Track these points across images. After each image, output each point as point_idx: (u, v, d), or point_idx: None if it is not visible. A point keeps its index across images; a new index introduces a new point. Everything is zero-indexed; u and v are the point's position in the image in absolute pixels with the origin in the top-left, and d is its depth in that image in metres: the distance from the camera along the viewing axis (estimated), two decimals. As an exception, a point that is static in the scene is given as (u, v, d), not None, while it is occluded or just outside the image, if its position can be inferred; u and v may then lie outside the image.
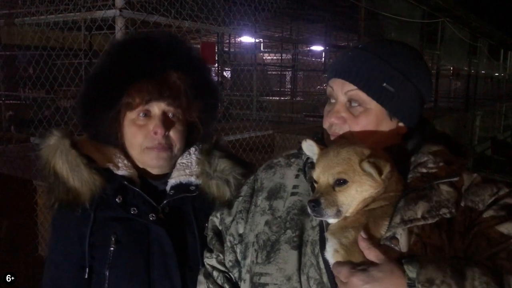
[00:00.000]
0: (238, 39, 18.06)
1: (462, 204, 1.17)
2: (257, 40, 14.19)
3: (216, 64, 12.54)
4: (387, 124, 1.28)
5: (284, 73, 24.65)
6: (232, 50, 18.28)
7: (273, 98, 17.69)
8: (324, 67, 19.45)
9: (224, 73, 15.98)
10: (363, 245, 1.09)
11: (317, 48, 19.92)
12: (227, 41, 16.71)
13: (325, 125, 1.33)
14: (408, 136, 1.31)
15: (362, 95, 1.26)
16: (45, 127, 4.31)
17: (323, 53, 19.40)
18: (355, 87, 1.26)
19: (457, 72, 17.49)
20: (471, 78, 16.76)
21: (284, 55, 22.10)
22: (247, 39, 15.62)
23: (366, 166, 1.13)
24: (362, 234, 1.10)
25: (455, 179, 1.19)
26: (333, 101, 1.32)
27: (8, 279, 1.94)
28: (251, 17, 5.40)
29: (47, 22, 4.39)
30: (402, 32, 10.01)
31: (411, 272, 1.00)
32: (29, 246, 4.41)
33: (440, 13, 11.93)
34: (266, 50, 22.23)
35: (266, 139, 6.03)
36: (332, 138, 1.30)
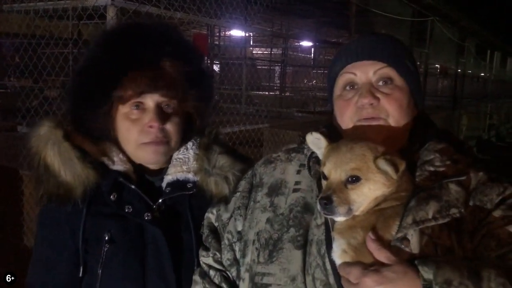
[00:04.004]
0: (228, 33, 17.99)
1: (471, 203, 1.16)
2: (247, 34, 14.13)
3: (206, 57, 12.46)
4: (411, 104, 1.30)
5: (273, 68, 24.63)
6: (221, 43, 18.21)
7: (263, 92, 17.68)
8: (314, 62, 19.50)
9: (214, 66, 15.91)
10: (372, 246, 1.06)
11: (307, 43, 19.93)
12: (217, 34, 16.63)
13: (349, 113, 1.28)
14: (410, 133, 1.30)
15: (391, 73, 1.27)
16: (33, 116, 4.26)
17: (313, 49, 19.43)
18: (385, 65, 1.27)
19: (444, 71, 17.64)
20: (458, 77, 16.93)
21: (274, 49, 22.08)
22: (237, 32, 15.58)
23: (382, 163, 1.10)
24: (371, 235, 1.08)
25: (463, 178, 1.17)
26: (351, 88, 1.29)
27: (8, 279, 1.90)
28: (243, 10, 5.38)
29: (36, 10, 4.33)
30: (392, 30, 10.06)
31: (427, 273, 0.98)
32: (14, 236, 4.36)
33: (430, 12, 12.01)
34: (256, 44, 22.19)
35: (256, 133, 6.03)
36: (363, 123, 1.25)
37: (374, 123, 1.24)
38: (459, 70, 17.17)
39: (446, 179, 1.16)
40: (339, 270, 1.11)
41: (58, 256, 1.44)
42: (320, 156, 1.25)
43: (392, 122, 1.24)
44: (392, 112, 1.24)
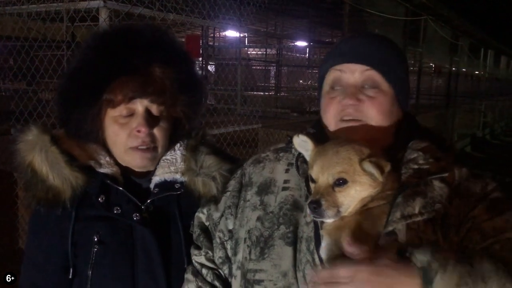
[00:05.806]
0: (223, 34, 18.01)
1: (455, 199, 1.19)
2: (241, 35, 14.16)
3: (201, 58, 12.47)
4: (394, 109, 1.31)
5: (269, 68, 24.65)
6: (216, 44, 18.23)
7: (258, 93, 17.71)
8: (308, 62, 19.55)
9: (209, 67, 15.92)
10: (351, 250, 1.00)
11: (301, 43, 19.99)
12: (212, 35, 16.65)
13: (332, 111, 1.30)
14: (396, 133, 1.32)
15: (377, 76, 1.28)
16: (27, 119, 4.26)
17: (307, 49, 19.50)
18: (371, 68, 1.27)
19: (438, 69, 17.73)
20: (452, 76, 17.00)
21: (268, 50, 22.11)
22: (231, 33, 15.60)
23: (368, 165, 1.12)
24: (349, 239, 1.01)
25: (445, 174, 1.21)
26: (338, 88, 1.30)
27: (8, 279, 1.91)
28: (236, 11, 5.39)
29: (28, 12, 4.32)
30: (386, 29, 10.10)
31: (423, 255, 0.96)
32: (9, 238, 4.36)
33: (423, 11, 12.07)
34: (250, 44, 22.20)
35: (250, 134, 6.04)
36: (343, 124, 1.27)
37: (355, 124, 1.26)
38: (453, 69, 17.25)
39: (430, 176, 1.20)
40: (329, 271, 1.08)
41: (47, 260, 1.46)
42: (308, 158, 1.27)
43: (373, 124, 1.26)
44: (373, 116, 1.26)
